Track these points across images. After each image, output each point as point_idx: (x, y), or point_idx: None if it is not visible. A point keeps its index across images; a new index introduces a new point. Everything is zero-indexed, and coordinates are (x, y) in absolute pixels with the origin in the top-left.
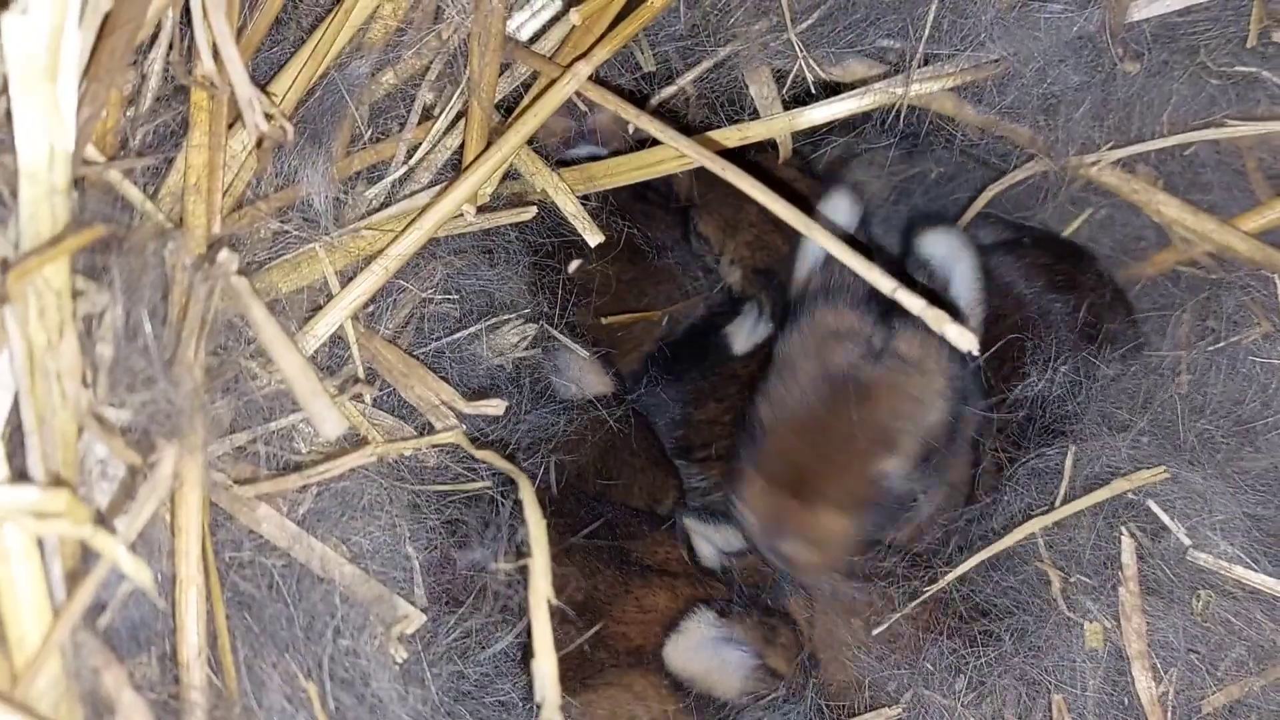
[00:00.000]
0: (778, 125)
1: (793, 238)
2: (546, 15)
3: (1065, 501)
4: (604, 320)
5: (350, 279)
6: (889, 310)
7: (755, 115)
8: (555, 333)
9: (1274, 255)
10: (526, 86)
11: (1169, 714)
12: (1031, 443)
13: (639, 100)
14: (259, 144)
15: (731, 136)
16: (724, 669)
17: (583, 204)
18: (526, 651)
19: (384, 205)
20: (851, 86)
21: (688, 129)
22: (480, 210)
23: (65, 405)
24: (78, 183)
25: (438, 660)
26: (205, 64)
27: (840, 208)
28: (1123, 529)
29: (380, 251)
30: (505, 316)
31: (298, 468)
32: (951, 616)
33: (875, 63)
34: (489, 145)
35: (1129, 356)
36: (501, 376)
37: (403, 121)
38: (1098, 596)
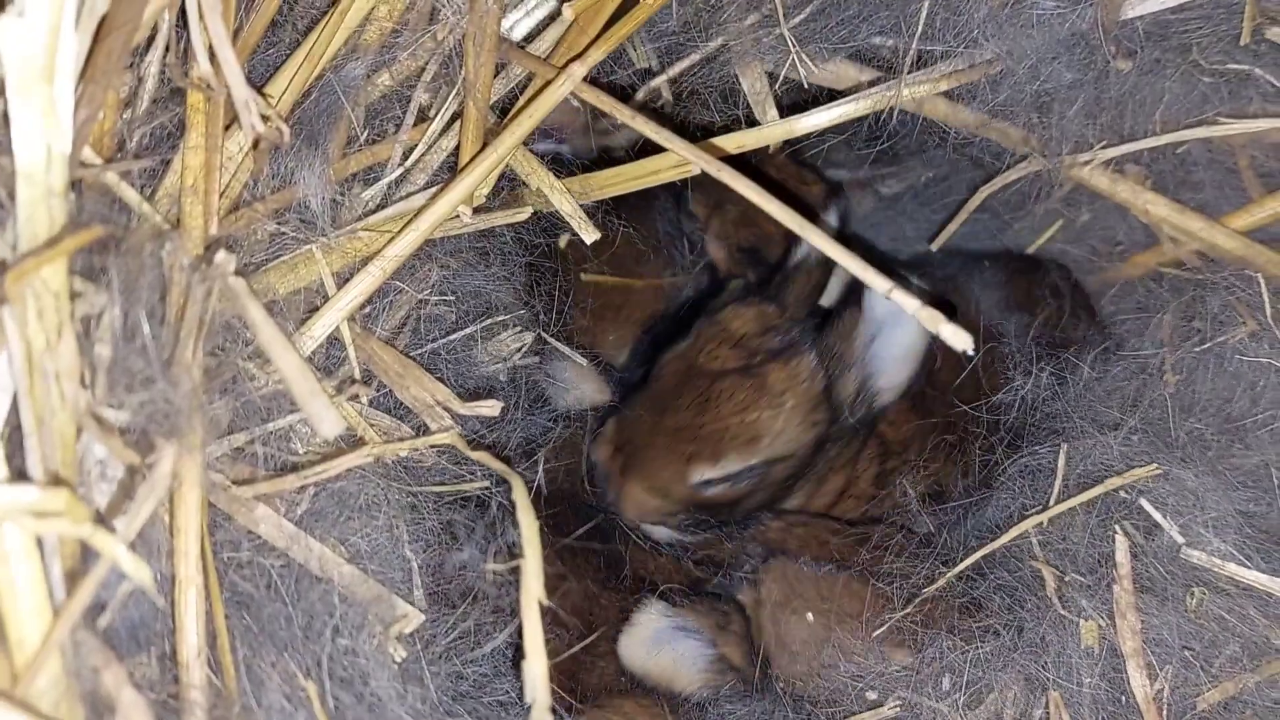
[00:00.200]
0: (774, 133)
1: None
2: (540, 14)
3: (1060, 500)
4: (584, 278)
5: (347, 280)
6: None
7: (748, 109)
8: (553, 341)
9: (1260, 252)
10: (522, 87)
11: (1165, 711)
12: (1002, 457)
13: (628, 97)
14: (255, 146)
15: (729, 144)
16: (681, 660)
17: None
18: (518, 653)
19: (380, 207)
20: (843, 92)
21: (682, 126)
22: (476, 211)
23: (64, 406)
24: (75, 184)
25: (436, 659)
26: (201, 66)
27: (833, 212)
28: (1116, 527)
29: (377, 253)
30: (501, 318)
31: (295, 468)
32: (949, 613)
33: (864, 66)
34: (485, 146)
35: (1102, 360)
36: (498, 382)
37: (399, 123)
38: (1092, 594)
